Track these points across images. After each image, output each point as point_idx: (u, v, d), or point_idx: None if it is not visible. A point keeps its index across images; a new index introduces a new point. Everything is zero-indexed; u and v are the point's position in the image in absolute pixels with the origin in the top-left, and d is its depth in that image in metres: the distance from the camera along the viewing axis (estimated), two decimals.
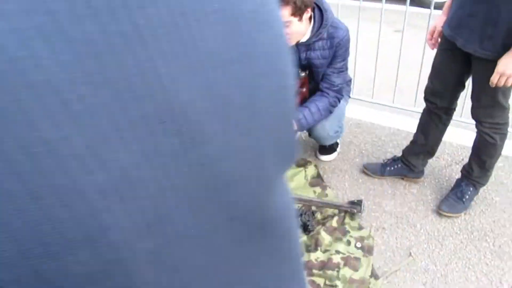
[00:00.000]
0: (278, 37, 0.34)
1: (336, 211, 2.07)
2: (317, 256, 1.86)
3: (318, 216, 2.07)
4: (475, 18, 1.59)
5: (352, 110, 2.87)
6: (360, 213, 2.05)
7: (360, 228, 2.00)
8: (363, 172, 2.35)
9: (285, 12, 1.74)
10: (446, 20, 1.77)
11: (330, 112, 2.08)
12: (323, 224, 2.00)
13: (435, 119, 2.03)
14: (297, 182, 2.30)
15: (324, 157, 2.47)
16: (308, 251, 1.89)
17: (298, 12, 1.76)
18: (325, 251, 1.88)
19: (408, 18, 2.58)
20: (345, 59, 2.01)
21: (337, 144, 2.52)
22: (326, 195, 2.21)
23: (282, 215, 0.40)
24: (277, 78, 0.33)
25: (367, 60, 2.97)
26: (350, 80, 2.37)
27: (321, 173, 2.38)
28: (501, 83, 1.56)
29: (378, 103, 2.88)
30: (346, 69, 2.07)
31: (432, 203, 2.11)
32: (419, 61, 2.53)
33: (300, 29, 1.86)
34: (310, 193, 2.22)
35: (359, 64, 2.81)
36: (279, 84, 0.34)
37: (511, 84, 1.54)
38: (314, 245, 1.91)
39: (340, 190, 2.25)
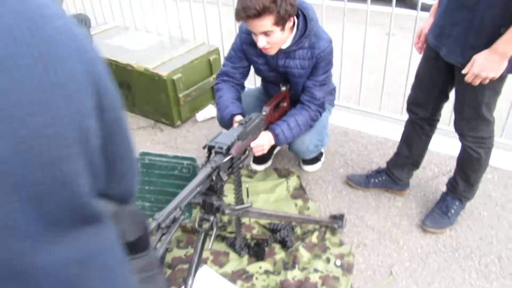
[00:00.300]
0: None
1: (317, 225, 1.98)
2: (294, 274, 1.77)
3: (298, 231, 1.98)
4: (457, 26, 1.50)
5: (339, 118, 2.79)
6: (341, 228, 1.97)
7: (340, 244, 1.92)
8: (347, 183, 2.26)
9: (268, 22, 1.66)
10: (430, 27, 1.68)
11: (311, 126, 1.99)
12: (303, 240, 1.92)
13: (418, 130, 1.94)
14: (278, 193, 2.21)
15: (308, 168, 2.39)
16: (286, 269, 1.81)
17: (281, 21, 1.68)
18: (303, 269, 1.80)
19: (402, 21, 2.50)
20: (327, 71, 1.92)
21: (321, 154, 2.43)
22: (308, 208, 2.13)
23: (54, 275, 0.40)
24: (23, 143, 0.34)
25: (355, 64, 2.89)
26: (334, 89, 2.28)
27: (303, 184, 2.29)
28: (476, 83, 1.48)
29: (365, 111, 2.79)
30: (329, 81, 1.99)
31: (417, 217, 2.03)
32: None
33: (281, 38, 1.78)
34: (291, 206, 2.14)
35: (346, 69, 2.72)
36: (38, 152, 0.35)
37: (487, 83, 1.46)
38: (292, 262, 1.82)
39: (322, 203, 2.17)
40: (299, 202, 2.16)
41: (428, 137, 1.97)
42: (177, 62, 2.76)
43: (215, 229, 1.56)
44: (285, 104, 2.05)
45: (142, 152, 1.74)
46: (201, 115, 2.90)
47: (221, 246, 1.93)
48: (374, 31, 3.53)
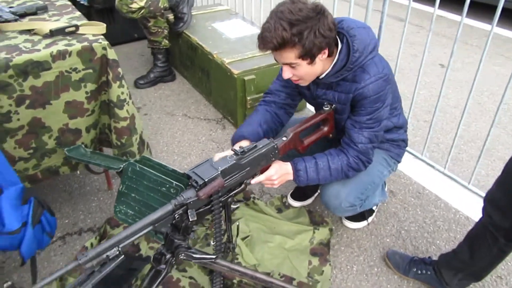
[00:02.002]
0: None
1: None
2: None
3: None
4: None
5: (419, 173, 2.27)
6: None
7: None
8: (384, 260, 1.81)
9: (290, 55, 1.36)
10: None
11: (347, 176, 1.59)
12: None
13: (489, 238, 1.40)
14: (298, 242, 1.88)
15: (348, 223, 1.98)
16: None
17: (308, 55, 1.37)
18: None
19: None
20: (372, 113, 1.49)
21: (371, 211, 1.99)
22: (321, 273, 1.75)
23: None
24: None
25: (451, 110, 2.29)
26: (403, 141, 1.81)
27: (333, 241, 1.91)
28: None
29: (451, 177, 2.21)
30: (378, 126, 1.54)
31: None
32: None
33: (311, 71, 1.44)
34: (304, 263, 1.79)
35: (442, 116, 2.17)
36: None
37: None
38: None
39: (342, 273, 1.77)
40: (315, 261, 1.80)
41: (503, 253, 1.41)
42: (255, 62, 2.54)
43: (166, 270, 1.35)
44: (325, 129, 1.67)
45: (143, 157, 1.60)
46: None
47: (204, 279, 1.71)
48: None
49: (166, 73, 3.19)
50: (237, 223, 1.67)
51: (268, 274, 1.69)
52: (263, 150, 1.43)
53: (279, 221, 1.98)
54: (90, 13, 3.39)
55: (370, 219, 1.99)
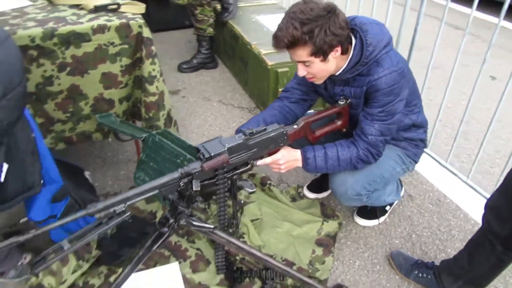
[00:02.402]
0: None
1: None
2: None
3: (289, 281, 1.70)
4: None
5: (441, 179, 2.23)
6: None
7: None
8: (388, 260, 1.81)
9: (302, 53, 1.42)
10: None
11: (355, 167, 1.61)
12: None
13: (487, 246, 1.38)
14: (305, 231, 1.92)
15: (359, 220, 1.99)
16: None
17: (319, 52, 1.41)
18: None
19: None
20: (385, 105, 1.50)
21: (384, 211, 1.99)
22: (322, 263, 1.79)
23: None
24: None
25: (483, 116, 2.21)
26: (422, 140, 1.79)
27: (340, 234, 1.93)
28: None
29: (474, 188, 2.15)
30: (390, 119, 1.55)
31: None
32: None
33: (325, 68, 1.49)
34: (307, 251, 1.83)
35: (474, 124, 2.11)
36: None
37: None
38: None
39: (344, 265, 1.80)
40: (319, 251, 1.84)
41: (501, 262, 1.38)
42: None
43: (168, 233, 1.45)
44: (339, 123, 1.70)
45: (164, 130, 1.72)
46: None
47: (210, 252, 1.81)
48: None
49: (209, 60, 3.32)
50: (241, 201, 1.75)
51: (269, 255, 1.75)
52: (272, 134, 1.49)
53: (291, 209, 2.04)
54: None
55: (382, 219, 1.99)
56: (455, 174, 2.23)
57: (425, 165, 2.33)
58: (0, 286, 1.66)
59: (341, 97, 1.64)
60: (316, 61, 1.44)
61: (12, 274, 1.66)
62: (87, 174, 2.03)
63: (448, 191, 2.19)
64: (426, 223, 2.01)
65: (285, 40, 1.39)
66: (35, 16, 1.71)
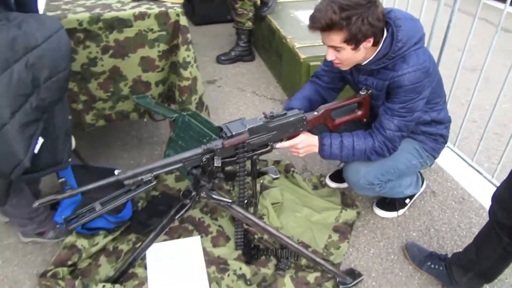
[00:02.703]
0: None
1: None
2: None
3: (303, 261, 1.77)
4: None
5: (467, 178, 2.22)
6: (348, 287, 1.66)
7: None
8: (403, 250, 1.84)
9: (336, 38, 1.46)
10: None
11: (369, 159, 1.66)
12: (297, 271, 1.71)
13: (494, 236, 1.39)
14: (324, 217, 1.98)
15: (379, 211, 2.03)
16: (259, 285, 1.68)
17: (352, 40, 1.45)
18: None
19: None
20: (405, 102, 1.54)
21: (404, 204, 2.02)
22: (338, 248, 1.85)
23: None
24: None
25: None
26: (442, 136, 1.81)
27: (358, 223, 1.98)
28: None
29: None
30: (409, 116, 1.58)
31: None
32: None
33: (354, 57, 1.53)
34: (324, 236, 1.90)
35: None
36: None
37: None
38: (269, 285, 1.67)
39: (359, 252, 1.85)
40: (335, 237, 1.90)
41: (508, 254, 1.40)
42: (324, 50, 2.63)
43: (190, 204, 1.57)
44: (359, 113, 1.74)
45: (194, 112, 1.84)
46: None
47: (230, 230, 1.91)
48: None
49: (246, 53, 3.43)
50: (261, 181, 1.83)
51: (287, 236, 1.83)
52: (291, 119, 1.58)
53: (311, 196, 2.11)
54: None
55: (401, 211, 2.02)
56: (481, 173, 2.21)
57: (451, 163, 2.33)
58: (39, 245, 1.85)
59: (363, 87, 1.69)
60: (348, 48, 1.49)
61: (51, 234, 1.84)
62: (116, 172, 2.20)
63: (473, 190, 2.17)
64: (447, 219, 2.02)
65: (322, 21, 1.43)
66: (84, 3, 1.88)
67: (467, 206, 2.09)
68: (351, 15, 1.42)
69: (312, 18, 1.48)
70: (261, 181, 2.11)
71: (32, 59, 1.26)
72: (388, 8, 1.58)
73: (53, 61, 1.32)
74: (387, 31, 1.53)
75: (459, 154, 2.37)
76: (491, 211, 1.39)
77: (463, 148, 2.45)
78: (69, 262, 1.71)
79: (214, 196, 1.54)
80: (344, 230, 1.93)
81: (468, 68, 3.20)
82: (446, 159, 2.35)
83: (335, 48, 1.51)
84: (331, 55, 1.56)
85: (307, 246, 1.84)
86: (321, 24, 1.44)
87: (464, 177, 2.25)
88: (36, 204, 1.20)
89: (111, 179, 1.31)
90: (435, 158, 1.86)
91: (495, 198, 1.38)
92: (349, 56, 1.53)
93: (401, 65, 1.50)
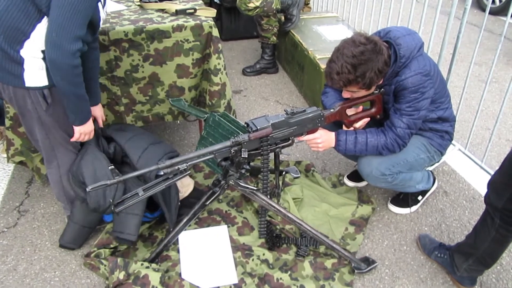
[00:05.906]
0: None
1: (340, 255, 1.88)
2: (281, 276, 1.79)
3: (321, 248, 1.93)
4: None
5: (478, 178, 2.33)
6: (361, 272, 1.81)
7: (347, 285, 1.78)
8: (416, 241, 1.98)
9: (353, 89, 1.75)
10: None
11: (380, 153, 1.83)
12: (316, 257, 1.87)
13: (488, 220, 1.54)
14: (341, 212, 2.14)
15: (393, 207, 2.18)
16: (280, 268, 1.84)
17: (367, 86, 1.73)
18: (293, 278, 1.79)
19: None
20: (411, 101, 1.72)
21: (416, 200, 2.16)
22: (354, 239, 2.00)
23: None
24: None
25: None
26: (448, 133, 1.96)
27: (373, 218, 2.13)
28: None
29: None
30: (416, 114, 1.75)
31: None
32: None
33: (367, 92, 1.81)
34: (340, 228, 2.06)
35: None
36: None
37: None
38: (290, 268, 1.83)
39: (374, 243, 1.99)
40: (351, 229, 2.05)
41: (502, 237, 1.53)
42: None
43: (218, 192, 1.77)
44: (373, 110, 1.92)
45: (223, 112, 2.05)
46: None
47: (254, 221, 2.09)
48: None
49: (270, 66, 3.65)
50: (284, 173, 2.02)
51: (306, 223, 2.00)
52: (310, 115, 1.77)
53: (330, 193, 2.27)
54: (220, 11, 4.04)
55: (414, 208, 2.16)
56: (490, 174, 2.33)
57: (463, 166, 2.45)
58: None
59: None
60: (362, 91, 1.75)
61: None
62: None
63: (484, 190, 2.28)
64: (457, 216, 2.14)
65: (340, 83, 1.69)
66: (129, 17, 2.14)
67: (477, 204, 2.20)
68: (365, 71, 1.65)
69: (331, 79, 1.72)
70: (284, 179, 2.29)
71: None
72: (387, 29, 1.79)
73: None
74: (390, 49, 1.73)
75: (471, 157, 2.50)
76: (486, 196, 1.54)
77: (476, 153, 2.57)
78: (111, 246, 1.93)
79: (241, 183, 1.73)
80: (360, 224, 2.08)
81: (483, 79, 3.33)
82: (459, 162, 2.48)
83: (351, 91, 1.77)
84: (347, 95, 1.82)
85: (325, 236, 2.00)
86: (339, 85, 1.72)
87: (475, 178, 2.37)
88: (89, 188, 1.41)
89: (152, 168, 1.52)
90: (442, 154, 2.01)
91: (490, 183, 1.52)
92: (363, 94, 1.79)
93: (404, 70, 1.70)
